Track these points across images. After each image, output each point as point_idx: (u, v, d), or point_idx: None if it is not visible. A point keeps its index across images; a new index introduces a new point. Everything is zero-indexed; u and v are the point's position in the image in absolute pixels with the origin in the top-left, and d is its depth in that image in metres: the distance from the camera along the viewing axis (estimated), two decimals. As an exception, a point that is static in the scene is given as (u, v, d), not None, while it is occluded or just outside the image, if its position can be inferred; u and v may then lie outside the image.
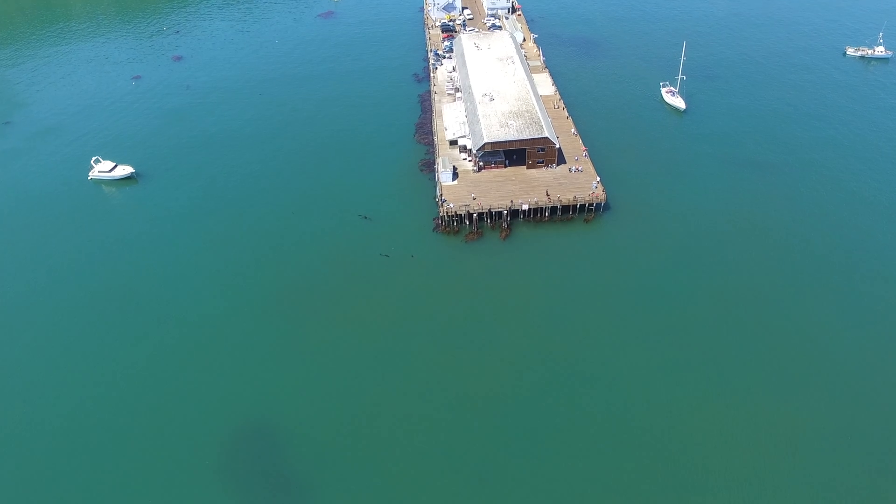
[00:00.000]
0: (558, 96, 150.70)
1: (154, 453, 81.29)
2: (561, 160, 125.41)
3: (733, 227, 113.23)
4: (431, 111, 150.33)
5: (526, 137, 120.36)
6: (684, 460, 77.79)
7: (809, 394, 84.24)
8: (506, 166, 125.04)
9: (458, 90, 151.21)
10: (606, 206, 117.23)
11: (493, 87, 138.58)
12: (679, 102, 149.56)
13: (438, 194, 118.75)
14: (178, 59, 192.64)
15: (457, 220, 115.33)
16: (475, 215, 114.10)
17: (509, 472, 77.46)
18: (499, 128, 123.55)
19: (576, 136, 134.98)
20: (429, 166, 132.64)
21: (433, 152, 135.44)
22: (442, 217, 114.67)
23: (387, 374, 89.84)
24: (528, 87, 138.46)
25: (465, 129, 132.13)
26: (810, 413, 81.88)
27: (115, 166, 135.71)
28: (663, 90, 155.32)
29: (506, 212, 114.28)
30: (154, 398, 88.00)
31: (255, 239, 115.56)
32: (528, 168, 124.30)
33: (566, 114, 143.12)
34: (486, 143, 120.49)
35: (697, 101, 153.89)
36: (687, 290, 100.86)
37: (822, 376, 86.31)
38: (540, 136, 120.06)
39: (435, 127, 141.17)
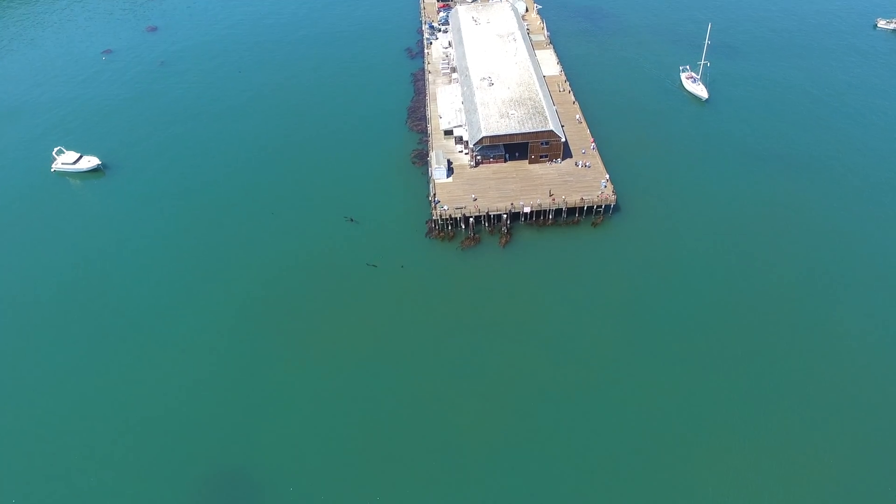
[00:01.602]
0: (564, 77, 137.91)
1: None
2: (566, 154, 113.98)
3: (762, 235, 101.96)
4: (425, 93, 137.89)
5: (528, 130, 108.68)
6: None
7: (856, 433, 75.52)
8: (506, 160, 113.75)
9: (454, 70, 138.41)
10: (616, 208, 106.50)
11: (492, 69, 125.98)
12: (701, 90, 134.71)
13: (431, 193, 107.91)
14: (153, 30, 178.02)
15: (451, 224, 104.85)
16: (472, 220, 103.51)
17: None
18: (498, 118, 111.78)
19: (582, 123, 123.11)
20: (422, 158, 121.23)
21: (427, 141, 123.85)
22: (435, 221, 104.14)
23: (371, 407, 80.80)
24: (531, 69, 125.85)
25: (462, 118, 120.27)
26: (852, 456, 73.41)
27: (80, 157, 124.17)
28: (683, 75, 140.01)
29: (505, 215, 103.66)
30: (108, 428, 79.14)
31: (230, 245, 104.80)
32: (530, 163, 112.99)
33: (572, 98, 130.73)
34: (484, 137, 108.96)
35: (721, 89, 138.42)
36: (709, 307, 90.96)
37: (864, 412, 77.45)
38: (544, 129, 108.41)
39: (429, 113, 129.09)
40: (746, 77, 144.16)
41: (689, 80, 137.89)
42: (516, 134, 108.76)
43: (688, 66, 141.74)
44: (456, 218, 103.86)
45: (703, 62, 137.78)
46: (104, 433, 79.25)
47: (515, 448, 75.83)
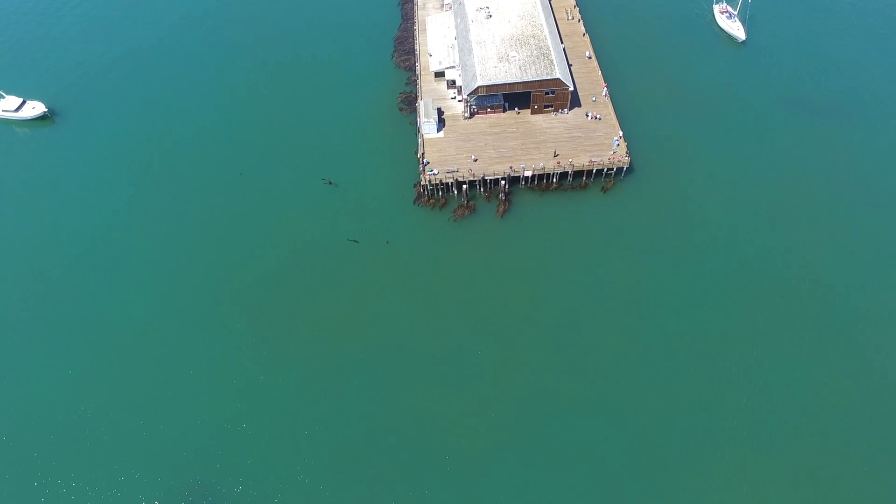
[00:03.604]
0: (573, 2, 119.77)
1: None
2: (574, 102, 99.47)
3: (804, 207, 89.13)
4: (413, 20, 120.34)
5: (532, 79, 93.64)
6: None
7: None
8: (505, 111, 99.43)
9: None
10: (630, 169, 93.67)
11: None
12: (737, 30, 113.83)
13: (420, 152, 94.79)
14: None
15: (443, 190, 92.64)
16: (465, 186, 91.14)
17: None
18: (497, 62, 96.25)
19: (592, 60, 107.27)
20: (409, 103, 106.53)
21: (415, 81, 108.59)
22: (424, 186, 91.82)
23: (353, 409, 72.60)
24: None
25: (454, 57, 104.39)
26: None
27: (24, 103, 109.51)
28: (717, 8, 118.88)
29: (504, 181, 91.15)
30: (60, 430, 71.66)
31: (193, 214, 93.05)
32: (532, 113, 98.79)
33: (582, 29, 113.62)
34: (480, 87, 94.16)
35: (763, 28, 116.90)
36: (735, 293, 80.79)
37: None
38: (550, 77, 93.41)
39: (417, 47, 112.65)
40: (795, 16, 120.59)
41: (724, 16, 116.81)
42: (517, 83, 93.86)
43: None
44: (447, 183, 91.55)
45: None
46: (64, 428, 71.95)
47: (512, 458, 68.37)
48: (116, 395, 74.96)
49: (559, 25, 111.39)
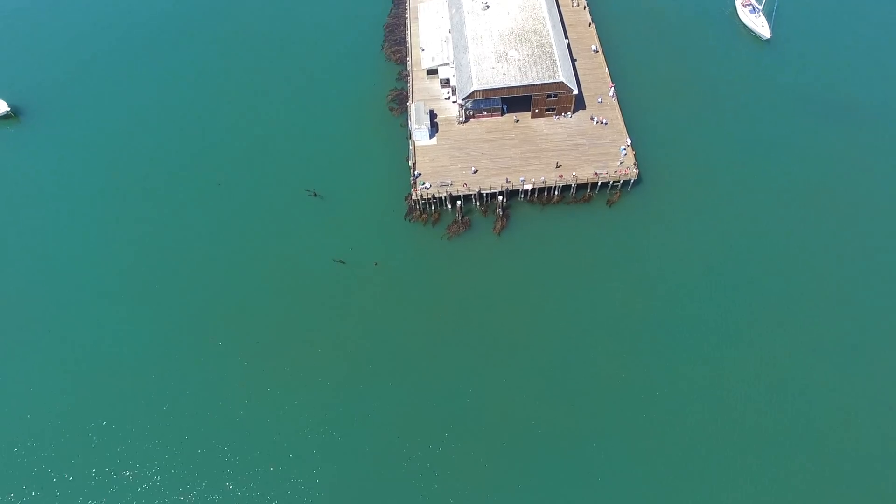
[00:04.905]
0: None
1: None
2: (579, 104, 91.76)
3: (829, 224, 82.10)
4: (405, 6, 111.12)
5: (532, 82, 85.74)
6: None
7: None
8: (503, 114, 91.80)
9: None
10: (638, 180, 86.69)
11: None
12: (762, 26, 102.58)
13: (411, 161, 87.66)
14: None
15: (436, 204, 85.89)
16: (460, 202, 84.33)
17: None
18: (495, 62, 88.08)
19: (599, 54, 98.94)
20: (400, 103, 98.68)
21: (406, 77, 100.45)
22: (416, 201, 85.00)
23: (341, 447, 67.70)
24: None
25: (449, 52, 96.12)
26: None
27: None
28: (739, 1, 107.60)
29: (501, 196, 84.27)
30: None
31: (165, 230, 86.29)
32: (533, 117, 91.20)
33: (588, 17, 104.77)
34: (476, 91, 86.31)
35: (791, 25, 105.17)
36: (751, 317, 75.09)
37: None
38: (552, 81, 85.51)
39: (408, 38, 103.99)
40: (828, 13, 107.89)
41: (747, 9, 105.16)
42: (517, 87, 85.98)
43: None
44: (441, 197, 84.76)
45: None
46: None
47: (509, 495, 64.22)
48: (74, 429, 69.95)
49: (563, 13, 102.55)
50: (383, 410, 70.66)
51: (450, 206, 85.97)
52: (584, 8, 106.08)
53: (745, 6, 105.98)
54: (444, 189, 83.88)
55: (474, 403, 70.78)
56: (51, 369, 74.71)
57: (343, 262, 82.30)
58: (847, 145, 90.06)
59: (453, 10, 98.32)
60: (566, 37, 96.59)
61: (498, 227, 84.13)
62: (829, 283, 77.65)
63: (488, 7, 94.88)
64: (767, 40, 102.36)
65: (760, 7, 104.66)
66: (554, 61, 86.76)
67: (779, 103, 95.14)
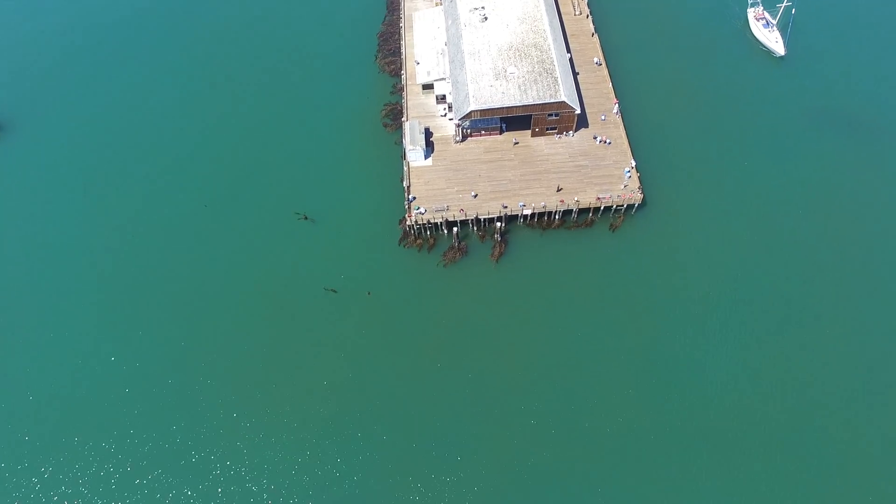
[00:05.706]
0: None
1: None
2: (581, 122, 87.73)
3: (845, 253, 78.38)
4: (399, 13, 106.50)
5: (533, 102, 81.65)
6: None
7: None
8: (501, 132, 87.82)
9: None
10: (643, 203, 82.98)
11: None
12: (775, 42, 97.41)
13: (406, 183, 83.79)
14: None
15: (431, 229, 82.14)
16: (456, 229, 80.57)
17: None
18: (493, 80, 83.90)
19: (602, 67, 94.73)
20: (395, 118, 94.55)
21: (401, 90, 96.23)
22: (410, 226, 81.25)
23: (323, 489, 64.91)
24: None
25: (445, 66, 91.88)
26: None
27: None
28: (752, 13, 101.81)
29: (500, 223, 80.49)
30: None
31: (149, 254, 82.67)
32: (533, 136, 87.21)
33: (591, 27, 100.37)
34: (473, 111, 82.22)
35: (807, 42, 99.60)
36: (763, 347, 71.87)
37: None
38: (554, 101, 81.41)
39: (403, 48, 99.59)
40: (848, 30, 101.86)
41: (761, 23, 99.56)
42: (516, 106, 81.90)
43: (760, 3, 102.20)
44: (437, 223, 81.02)
45: (784, 2, 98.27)
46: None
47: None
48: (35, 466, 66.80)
49: (564, 23, 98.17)
50: (373, 449, 67.55)
51: (445, 232, 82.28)
52: (587, 17, 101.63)
53: (758, 20, 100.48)
54: (439, 214, 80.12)
55: (470, 444, 67.63)
56: (21, 403, 71.36)
57: (335, 291, 78.76)
58: (868, 172, 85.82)
59: (450, 21, 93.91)
60: (568, 50, 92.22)
61: (496, 253, 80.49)
62: (844, 311, 74.40)
63: (486, 18, 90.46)
64: (782, 57, 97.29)
65: (775, 22, 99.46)
66: (556, 79, 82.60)
67: (795, 126, 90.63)
